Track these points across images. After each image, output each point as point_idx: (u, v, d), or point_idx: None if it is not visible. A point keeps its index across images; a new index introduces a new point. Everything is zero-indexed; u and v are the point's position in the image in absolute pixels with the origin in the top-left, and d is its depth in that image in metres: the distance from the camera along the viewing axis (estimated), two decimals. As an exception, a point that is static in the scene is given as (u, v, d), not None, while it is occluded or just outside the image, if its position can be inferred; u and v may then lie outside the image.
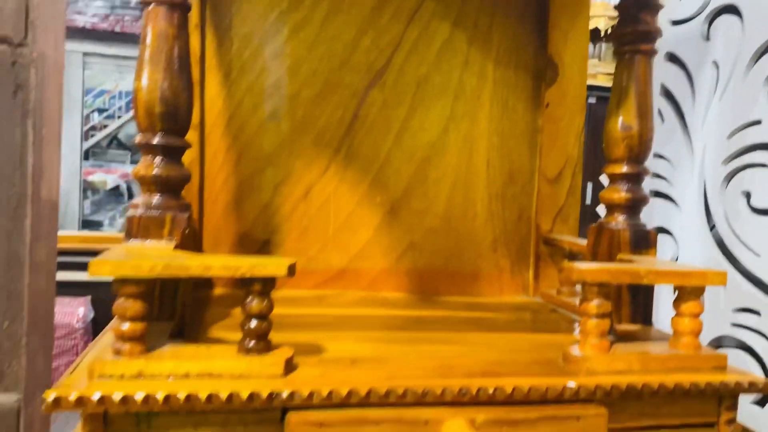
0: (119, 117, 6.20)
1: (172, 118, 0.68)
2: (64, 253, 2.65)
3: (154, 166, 0.68)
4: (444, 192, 0.99)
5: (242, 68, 0.92)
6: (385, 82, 0.97)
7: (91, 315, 2.45)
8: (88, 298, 2.64)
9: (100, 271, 0.54)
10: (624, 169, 0.79)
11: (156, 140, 0.68)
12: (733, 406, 0.66)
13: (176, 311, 0.70)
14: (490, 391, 0.58)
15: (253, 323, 0.58)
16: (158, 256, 0.58)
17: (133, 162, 3.97)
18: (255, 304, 0.58)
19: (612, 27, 2.79)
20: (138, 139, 0.68)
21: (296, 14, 0.94)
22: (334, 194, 0.97)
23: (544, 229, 1.01)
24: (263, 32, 0.93)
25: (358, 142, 0.97)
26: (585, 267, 0.64)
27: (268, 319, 0.59)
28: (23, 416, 1.09)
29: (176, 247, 0.67)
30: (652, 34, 0.78)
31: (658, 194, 1.12)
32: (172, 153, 0.69)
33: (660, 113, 1.14)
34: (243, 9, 0.92)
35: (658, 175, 1.09)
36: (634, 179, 0.79)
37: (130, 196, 4.11)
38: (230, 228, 0.93)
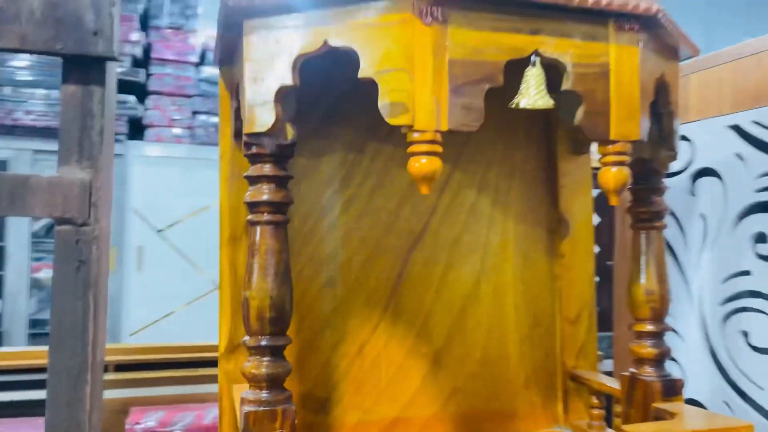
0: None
1: (279, 322, 0.77)
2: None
3: (263, 365, 0.76)
4: (480, 338, 1.10)
5: (303, 241, 1.03)
6: (424, 244, 1.09)
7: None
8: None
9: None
10: (649, 327, 0.92)
11: (264, 342, 0.76)
12: None
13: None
14: None
15: None
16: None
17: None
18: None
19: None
20: (248, 341, 0.77)
21: (347, 191, 1.05)
22: (385, 349, 1.06)
23: (569, 365, 1.13)
24: (320, 208, 1.04)
25: (404, 298, 1.07)
26: (642, 429, 0.76)
27: None
28: None
29: (288, 437, 0.74)
30: (663, 213, 0.93)
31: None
32: (278, 351, 0.78)
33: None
34: (302, 190, 1.03)
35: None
36: (658, 335, 0.93)
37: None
38: (294, 388, 1.00)
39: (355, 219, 1.06)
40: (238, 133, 0.97)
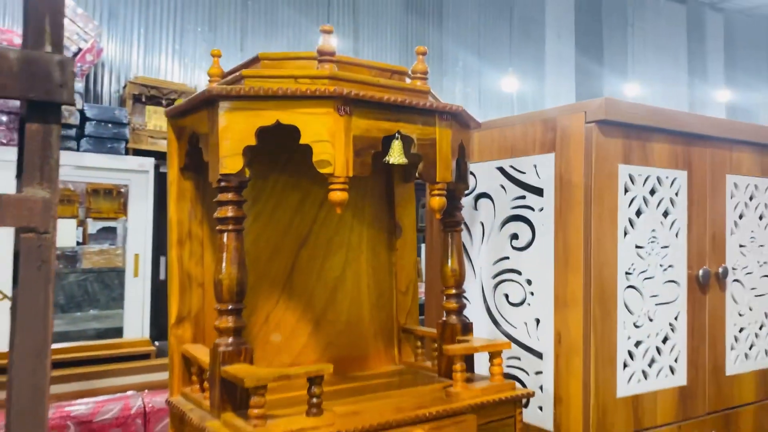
0: None
1: (241, 294, 1.20)
2: None
3: (230, 321, 1.19)
4: (345, 307, 1.61)
5: (227, 244, 1.44)
6: (309, 244, 1.57)
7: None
8: None
9: (252, 383, 1.06)
10: (453, 291, 1.51)
11: (231, 307, 1.19)
12: (523, 405, 1.40)
13: (241, 404, 1.20)
14: (422, 413, 1.22)
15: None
16: (266, 371, 1.10)
17: None
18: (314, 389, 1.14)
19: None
20: (220, 307, 1.19)
21: (256, 208, 1.49)
22: (283, 317, 1.52)
23: (402, 322, 1.69)
24: (238, 220, 1.45)
25: (295, 282, 1.54)
26: (455, 347, 1.33)
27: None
28: None
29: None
30: (460, 221, 1.53)
31: (455, 294, 1.89)
32: (239, 312, 1.21)
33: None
34: (226, 207, 1.44)
35: (454, 283, 1.86)
36: (459, 296, 1.52)
37: None
38: (222, 347, 1.42)
39: (262, 227, 1.50)
40: (185, 167, 1.37)
